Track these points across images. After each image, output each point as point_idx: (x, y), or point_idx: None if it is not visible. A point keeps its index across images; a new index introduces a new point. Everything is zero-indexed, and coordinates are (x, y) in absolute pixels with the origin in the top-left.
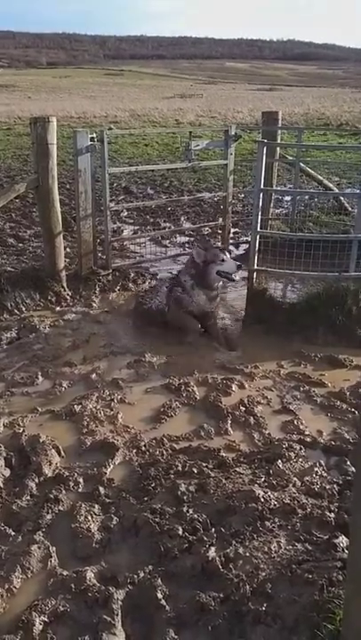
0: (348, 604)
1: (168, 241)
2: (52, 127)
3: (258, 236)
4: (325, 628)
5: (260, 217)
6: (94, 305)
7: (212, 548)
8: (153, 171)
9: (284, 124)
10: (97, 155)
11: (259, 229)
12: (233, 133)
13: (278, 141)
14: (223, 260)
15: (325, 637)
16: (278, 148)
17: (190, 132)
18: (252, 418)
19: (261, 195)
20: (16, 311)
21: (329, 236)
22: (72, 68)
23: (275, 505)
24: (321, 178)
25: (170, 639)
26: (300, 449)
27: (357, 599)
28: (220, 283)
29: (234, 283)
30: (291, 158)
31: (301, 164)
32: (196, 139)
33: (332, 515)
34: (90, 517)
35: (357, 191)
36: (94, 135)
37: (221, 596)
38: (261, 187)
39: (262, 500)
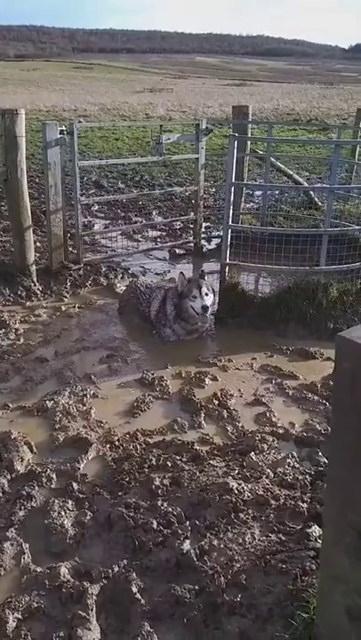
0: (322, 595)
1: (140, 235)
2: (20, 120)
3: (230, 230)
4: (299, 617)
5: (231, 211)
6: (66, 300)
7: (187, 541)
8: (124, 165)
9: (253, 119)
10: (67, 148)
11: (231, 223)
12: (204, 127)
13: (249, 135)
14: (195, 297)
15: (299, 626)
16: (249, 143)
17: (161, 126)
18: (225, 411)
19: (233, 189)
20: None
21: (300, 231)
22: (40, 60)
23: (248, 496)
24: (291, 172)
25: (145, 633)
26: (273, 441)
27: (329, 587)
28: (208, 317)
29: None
30: (261, 153)
31: (272, 159)
32: (167, 133)
33: (305, 505)
34: (63, 513)
35: (327, 186)
36: (64, 128)
37: (196, 588)
38: (233, 180)
39: (236, 491)
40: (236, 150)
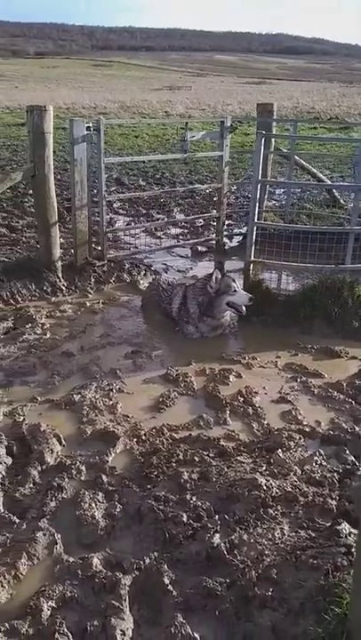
0: (355, 589)
1: (162, 232)
2: (48, 116)
3: (255, 227)
4: (332, 612)
5: (257, 209)
6: (90, 295)
7: (217, 535)
8: (144, 162)
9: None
10: (92, 144)
11: (256, 221)
12: (229, 125)
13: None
14: (235, 291)
15: (332, 621)
16: (273, 140)
17: (187, 123)
18: (250, 408)
19: (259, 186)
20: (12, 301)
21: (326, 229)
22: (60, 58)
23: (277, 493)
24: (315, 170)
25: (178, 623)
26: (300, 438)
27: None
28: (228, 313)
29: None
30: (285, 150)
31: (296, 157)
32: (190, 130)
33: (334, 502)
34: (94, 505)
35: (354, 184)
36: (90, 124)
37: (227, 581)
38: (260, 178)
39: (265, 487)
40: (262, 147)
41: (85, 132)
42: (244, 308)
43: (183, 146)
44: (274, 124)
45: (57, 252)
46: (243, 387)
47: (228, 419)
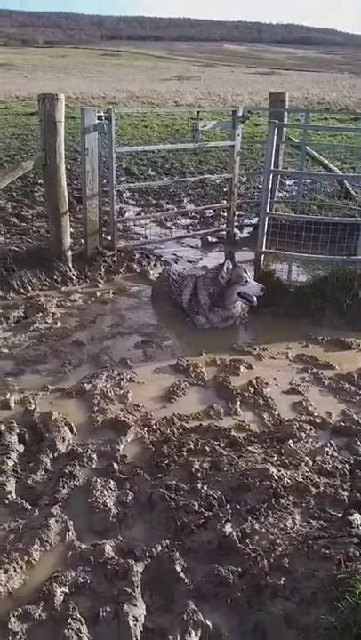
0: None
1: (172, 223)
2: (60, 104)
3: (266, 218)
4: (344, 601)
5: (268, 199)
6: (100, 285)
7: (228, 524)
8: (154, 152)
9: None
10: (102, 134)
11: (268, 211)
12: (240, 114)
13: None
14: (246, 281)
15: (345, 610)
16: (285, 130)
17: (198, 112)
18: (261, 399)
19: (271, 176)
20: (22, 290)
21: (337, 220)
22: (69, 47)
23: (288, 483)
24: (326, 161)
25: (190, 610)
26: (311, 429)
27: None
28: (239, 303)
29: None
30: (297, 141)
31: (308, 147)
32: (205, 121)
33: (346, 493)
34: (105, 492)
35: None
36: (102, 113)
37: (239, 570)
38: (272, 168)
39: (276, 477)
40: (275, 137)
41: (97, 121)
42: (255, 299)
43: (194, 135)
44: (285, 114)
45: (67, 241)
46: (253, 377)
47: (239, 409)
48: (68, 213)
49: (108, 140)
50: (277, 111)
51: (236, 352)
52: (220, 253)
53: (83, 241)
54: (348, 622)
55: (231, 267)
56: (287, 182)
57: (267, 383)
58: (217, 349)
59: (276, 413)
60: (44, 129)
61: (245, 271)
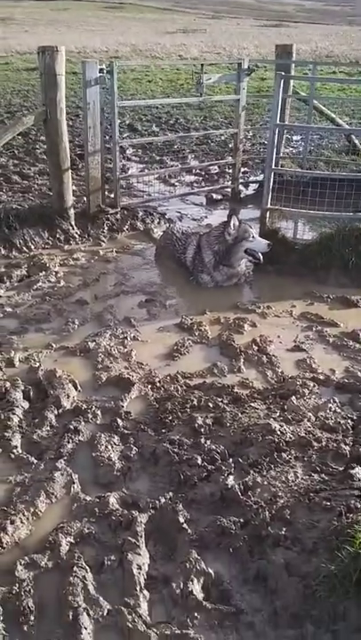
0: None
1: (176, 180)
2: (60, 57)
3: (272, 174)
4: (345, 550)
5: (274, 154)
6: (103, 244)
7: (231, 477)
8: (158, 108)
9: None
10: (105, 88)
11: (273, 167)
12: (246, 67)
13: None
14: (253, 238)
15: (345, 559)
16: (292, 83)
17: (202, 65)
18: (264, 356)
19: (277, 130)
20: (25, 249)
21: (345, 175)
22: (70, 0)
23: (290, 438)
24: (334, 115)
25: (193, 559)
26: (314, 386)
27: None
28: (243, 261)
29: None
30: (304, 94)
31: (315, 101)
32: (210, 74)
33: (348, 448)
34: (110, 447)
35: None
36: (104, 66)
37: (241, 520)
38: (278, 122)
39: (278, 432)
40: (281, 89)
41: (98, 75)
42: (261, 256)
43: (198, 89)
44: (292, 66)
45: (69, 198)
46: (257, 335)
47: (243, 367)
48: (70, 170)
49: (110, 95)
50: (284, 64)
51: (240, 310)
52: (224, 211)
53: (85, 199)
54: (348, 570)
55: (238, 223)
56: (294, 138)
57: (271, 341)
58: (221, 308)
59: (280, 371)
60: (44, 83)
61: (251, 227)
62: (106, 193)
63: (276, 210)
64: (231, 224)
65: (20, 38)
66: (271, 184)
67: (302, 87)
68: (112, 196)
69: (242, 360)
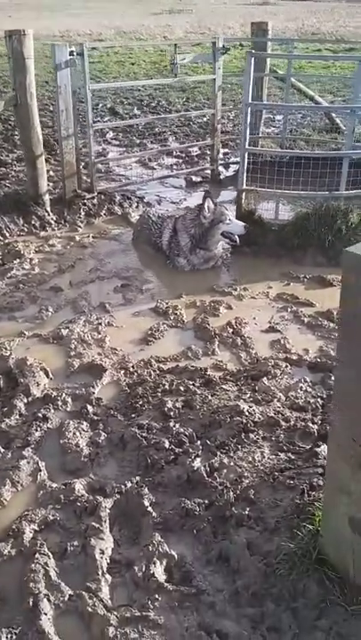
0: (327, 507)
1: (155, 163)
2: (28, 40)
3: (247, 154)
4: (305, 528)
5: (248, 134)
6: (80, 229)
7: (198, 459)
8: (140, 91)
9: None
10: (76, 70)
11: (247, 147)
12: (221, 46)
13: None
14: (230, 220)
15: (305, 537)
16: (269, 62)
17: (176, 45)
18: (239, 338)
19: (249, 110)
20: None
21: (318, 153)
22: None
23: (259, 418)
24: (313, 94)
25: (156, 542)
26: (286, 366)
27: (334, 499)
28: (221, 244)
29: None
30: (282, 73)
31: (293, 79)
32: (184, 53)
33: (316, 426)
34: (78, 434)
35: (349, 105)
36: (74, 49)
37: (206, 502)
38: (249, 101)
39: (247, 413)
40: (252, 68)
41: (68, 57)
42: (237, 238)
43: (173, 69)
44: (269, 44)
45: (44, 184)
46: (233, 318)
47: (217, 349)
48: (43, 155)
49: (82, 77)
50: (260, 41)
51: (216, 293)
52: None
53: (61, 184)
54: (307, 548)
55: (213, 205)
56: (277, 117)
57: (246, 323)
58: (197, 291)
59: (254, 352)
60: (13, 67)
61: (227, 209)
62: (83, 178)
63: (251, 191)
64: (206, 207)
65: (5, 24)
66: (246, 164)
67: (282, 65)
68: (89, 180)
69: (216, 343)
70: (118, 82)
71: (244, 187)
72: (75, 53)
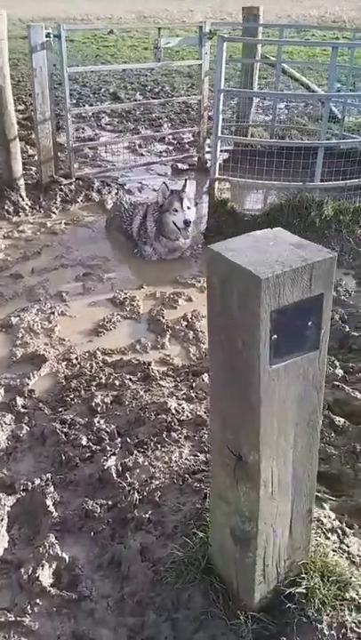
0: (212, 516)
1: (145, 149)
2: (1, 22)
3: (219, 142)
4: (196, 536)
5: (220, 121)
6: (54, 216)
7: (113, 458)
8: (146, 75)
9: (269, 22)
10: (54, 53)
11: (220, 134)
12: (208, 30)
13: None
14: (176, 210)
15: (196, 544)
16: (260, 47)
17: (159, 29)
18: (191, 332)
19: (222, 96)
20: None
21: (291, 143)
22: None
23: (187, 417)
24: (305, 80)
25: (48, 544)
26: None
27: (217, 508)
28: (190, 235)
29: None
30: (273, 59)
31: (284, 65)
32: (168, 37)
33: None
34: (0, 427)
35: (322, 93)
36: (50, 30)
37: (109, 503)
38: (221, 87)
39: (173, 411)
40: (224, 53)
41: (45, 39)
42: (185, 232)
43: (156, 53)
44: (260, 29)
45: (18, 168)
46: (190, 310)
47: (167, 343)
48: (17, 139)
49: (59, 60)
50: (251, 27)
51: (179, 285)
52: (190, 181)
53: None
54: (196, 556)
55: (168, 192)
56: (279, 106)
57: (203, 316)
58: (160, 282)
59: (204, 347)
60: None
61: (183, 200)
62: (61, 163)
63: (223, 179)
64: (160, 192)
65: (26, 5)
66: (218, 153)
67: (297, 53)
68: (68, 166)
69: (167, 336)
70: (98, 66)
71: (217, 175)
72: (51, 35)
